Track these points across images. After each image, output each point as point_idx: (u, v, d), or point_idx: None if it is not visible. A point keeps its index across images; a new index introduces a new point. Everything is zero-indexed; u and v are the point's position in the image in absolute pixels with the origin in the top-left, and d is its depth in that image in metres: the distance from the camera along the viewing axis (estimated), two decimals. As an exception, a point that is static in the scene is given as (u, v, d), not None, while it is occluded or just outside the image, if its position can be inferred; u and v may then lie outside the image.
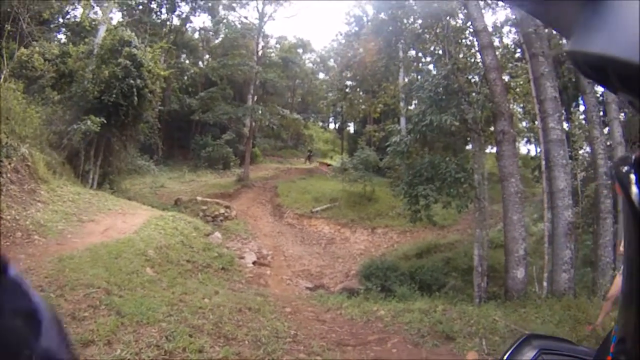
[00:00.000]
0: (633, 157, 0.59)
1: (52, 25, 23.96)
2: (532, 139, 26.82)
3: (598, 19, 0.52)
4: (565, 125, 12.51)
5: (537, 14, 0.85)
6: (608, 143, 12.42)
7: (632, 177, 0.56)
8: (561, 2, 0.66)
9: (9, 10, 14.12)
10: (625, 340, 0.66)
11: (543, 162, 11.11)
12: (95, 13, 20.42)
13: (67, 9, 23.57)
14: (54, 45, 19.23)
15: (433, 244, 18.89)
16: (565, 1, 0.65)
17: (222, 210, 20.05)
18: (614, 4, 0.51)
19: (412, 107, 23.16)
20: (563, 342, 1.16)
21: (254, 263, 14.74)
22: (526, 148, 31.08)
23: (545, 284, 10.43)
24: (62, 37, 26.17)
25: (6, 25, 13.71)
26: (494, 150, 14.94)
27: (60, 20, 25.76)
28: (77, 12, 24.02)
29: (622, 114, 12.85)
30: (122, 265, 8.83)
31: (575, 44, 0.58)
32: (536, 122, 12.30)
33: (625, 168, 0.58)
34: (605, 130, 12.72)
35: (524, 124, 24.63)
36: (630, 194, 0.55)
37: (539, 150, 16.83)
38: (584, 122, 13.74)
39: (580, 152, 13.50)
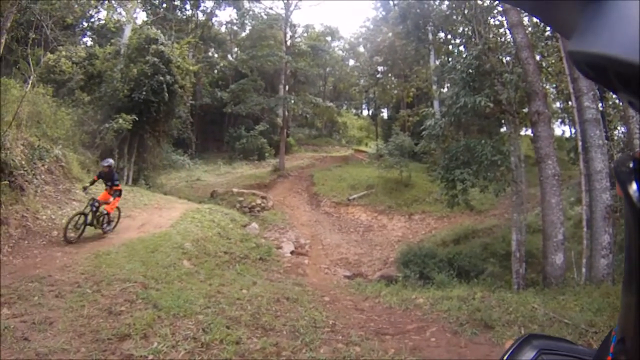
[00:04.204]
0: (633, 157, 0.59)
1: (76, 30, 24.45)
2: (567, 120, 26.27)
3: (598, 19, 0.53)
4: (599, 104, 12.08)
5: (538, 13, 0.84)
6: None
7: (632, 176, 0.56)
8: (562, 2, 0.66)
9: (32, 18, 14.34)
10: (625, 340, 0.67)
11: (579, 143, 10.67)
12: (119, 14, 20.64)
13: (90, 12, 23.92)
14: (80, 48, 19.66)
15: (471, 230, 18.56)
16: (566, 1, 0.65)
17: (258, 201, 20.10)
18: (614, 4, 0.51)
19: (445, 90, 22.90)
20: (563, 342, 1.13)
21: (291, 253, 14.76)
22: (560, 129, 30.56)
23: (583, 269, 10.04)
24: (87, 40, 26.91)
25: (30, 33, 13.92)
26: (529, 132, 14.59)
27: (85, 24, 26.34)
28: (101, 15, 24.55)
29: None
30: (159, 259, 8.95)
31: (576, 44, 0.57)
32: (570, 102, 11.91)
33: (626, 168, 0.58)
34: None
35: (557, 104, 24.10)
36: (630, 194, 0.55)
37: (573, 131, 16.37)
38: (617, 100, 13.28)
39: (616, 132, 13.05)
